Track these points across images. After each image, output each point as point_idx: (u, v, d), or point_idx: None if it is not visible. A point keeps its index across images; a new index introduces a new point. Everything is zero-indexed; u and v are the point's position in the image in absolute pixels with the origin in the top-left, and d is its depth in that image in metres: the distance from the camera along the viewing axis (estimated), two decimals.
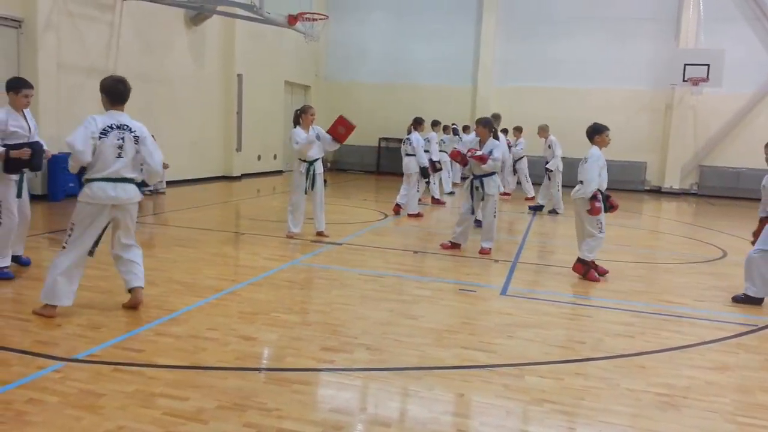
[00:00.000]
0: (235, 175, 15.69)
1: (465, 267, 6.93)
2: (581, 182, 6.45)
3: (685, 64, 15.97)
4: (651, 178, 17.86)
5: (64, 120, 10.46)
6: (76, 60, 10.81)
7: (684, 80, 16.04)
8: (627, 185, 17.68)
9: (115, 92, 4.54)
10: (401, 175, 10.97)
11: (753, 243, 5.80)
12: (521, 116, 18.46)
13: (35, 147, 5.34)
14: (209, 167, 15.08)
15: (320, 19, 14.08)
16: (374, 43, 19.72)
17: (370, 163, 19.81)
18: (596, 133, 6.63)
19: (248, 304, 5.03)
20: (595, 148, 6.52)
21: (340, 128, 7.65)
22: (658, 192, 17.55)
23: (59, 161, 10.13)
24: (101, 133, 4.35)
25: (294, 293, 5.46)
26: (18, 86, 5.37)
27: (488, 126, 7.53)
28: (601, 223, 6.45)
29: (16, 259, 5.79)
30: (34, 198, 9.95)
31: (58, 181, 10.16)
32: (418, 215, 10.46)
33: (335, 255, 7.14)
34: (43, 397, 3.19)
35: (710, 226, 11.28)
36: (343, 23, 19.64)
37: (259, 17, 12.49)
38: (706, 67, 15.73)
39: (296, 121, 7.83)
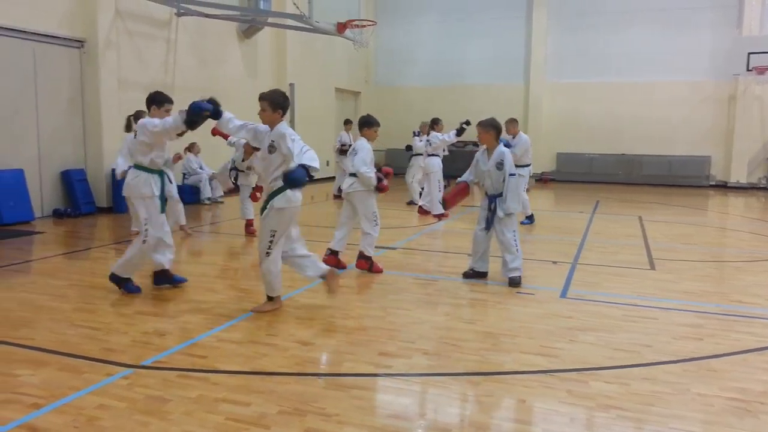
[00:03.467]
0: None
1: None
2: (352, 175, 6.31)
3: (749, 53, 15.27)
4: (716, 172, 17.15)
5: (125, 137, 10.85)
6: (136, 76, 11.22)
7: (748, 69, 15.33)
8: (690, 181, 17.06)
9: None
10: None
11: None
12: (576, 113, 18.15)
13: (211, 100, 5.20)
14: None
15: (369, 25, 14.17)
16: (423, 45, 19.72)
17: None
18: (367, 125, 6.45)
19: (305, 309, 5.09)
20: (364, 140, 6.36)
21: None
22: (724, 187, 16.83)
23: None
24: None
25: (350, 299, 5.48)
26: (161, 100, 5.41)
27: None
28: (376, 216, 6.39)
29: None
30: (99, 210, 10.41)
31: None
32: (443, 215, 10.33)
33: (390, 259, 7.13)
34: (112, 403, 3.29)
35: None
36: (391, 28, 19.73)
37: (308, 27, 12.66)
38: None
39: None
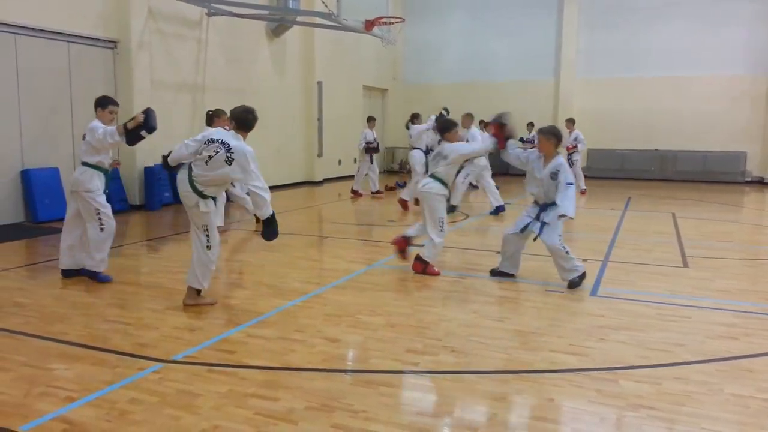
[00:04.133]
0: (317, 180, 16.02)
1: (551, 266, 6.71)
2: (430, 176, 6.26)
3: None
4: (752, 168, 16.71)
5: (160, 133, 10.99)
6: (168, 76, 11.38)
7: None
8: (725, 177, 16.65)
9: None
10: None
11: None
12: (608, 109, 17.87)
13: (146, 111, 5.68)
14: (293, 173, 15.48)
15: (397, 22, 14.14)
16: (452, 42, 19.60)
17: None
18: (447, 130, 6.33)
19: (333, 306, 5.11)
20: (446, 144, 6.28)
21: None
22: (760, 183, 16.39)
23: (155, 173, 10.73)
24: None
25: (377, 295, 5.49)
26: (105, 103, 5.87)
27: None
28: (443, 223, 6.17)
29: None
30: (131, 208, 10.60)
31: (154, 192, 10.74)
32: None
33: None
34: (143, 397, 3.36)
35: None
36: (419, 25, 19.65)
37: (336, 25, 12.69)
38: None
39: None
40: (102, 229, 5.79)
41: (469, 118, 10.59)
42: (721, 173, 16.74)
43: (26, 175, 9.14)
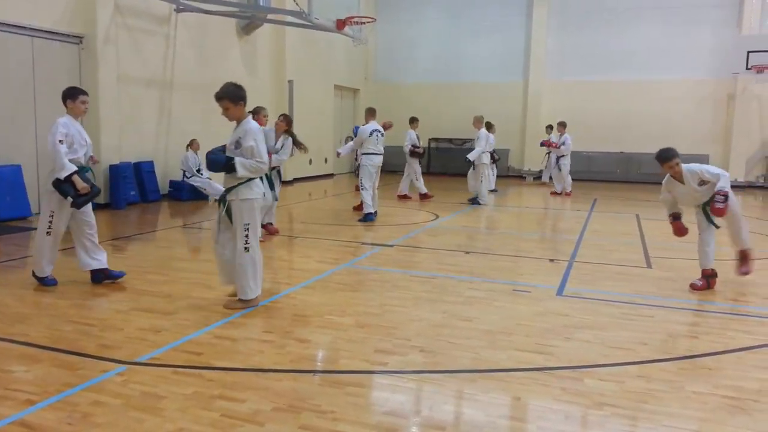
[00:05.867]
0: (287, 179, 15.91)
1: (519, 267, 6.81)
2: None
3: (749, 51, 15.31)
4: None
5: (126, 131, 10.85)
6: (135, 72, 11.19)
7: (747, 68, 15.36)
8: None
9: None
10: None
11: None
12: (575, 111, 18.13)
13: (94, 190, 5.52)
14: None
15: (368, 22, 14.15)
16: (423, 43, 19.69)
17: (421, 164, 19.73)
18: (673, 157, 6.02)
19: (302, 307, 5.08)
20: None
21: None
22: None
23: (120, 171, 10.54)
24: None
25: (347, 296, 5.48)
26: (75, 94, 5.47)
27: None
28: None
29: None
30: (97, 207, 10.38)
31: (120, 191, 10.54)
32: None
33: (387, 257, 7.14)
34: (107, 399, 3.29)
35: None
36: (391, 25, 19.69)
37: (308, 23, 12.64)
38: None
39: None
40: (49, 233, 5.47)
41: (479, 120, 12.30)
42: None
43: None
